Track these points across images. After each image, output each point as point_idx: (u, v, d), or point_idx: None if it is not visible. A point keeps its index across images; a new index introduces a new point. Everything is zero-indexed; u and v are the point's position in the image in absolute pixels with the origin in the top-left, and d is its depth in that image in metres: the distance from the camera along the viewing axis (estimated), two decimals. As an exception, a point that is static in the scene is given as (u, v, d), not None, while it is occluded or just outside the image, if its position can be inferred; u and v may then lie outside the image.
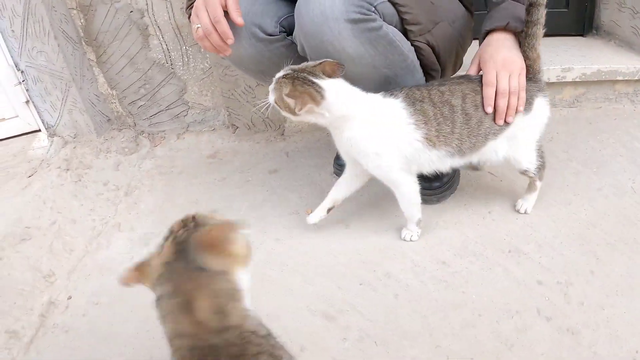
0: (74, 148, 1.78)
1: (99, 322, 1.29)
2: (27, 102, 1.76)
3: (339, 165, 1.52)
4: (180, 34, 1.70)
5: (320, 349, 1.07)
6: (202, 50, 1.72)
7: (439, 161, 1.19)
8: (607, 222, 1.31)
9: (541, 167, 1.30)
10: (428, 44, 1.20)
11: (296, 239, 1.36)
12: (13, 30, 1.66)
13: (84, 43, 1.76)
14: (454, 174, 1.45)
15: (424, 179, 1.31)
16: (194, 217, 0.71)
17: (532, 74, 1.21)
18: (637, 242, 1.24)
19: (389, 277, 1.22)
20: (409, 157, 1.16)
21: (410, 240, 1.30)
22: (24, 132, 1.82)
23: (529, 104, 1.20)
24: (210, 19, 1.10)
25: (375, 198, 1.46)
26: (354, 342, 1.07)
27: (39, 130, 1.82)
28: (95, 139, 1.81)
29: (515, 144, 1.24)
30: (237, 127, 1.84)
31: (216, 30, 1.10)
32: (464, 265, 1.24)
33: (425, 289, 1.19)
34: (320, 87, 1.07)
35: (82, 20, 1.72)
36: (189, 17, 1.22)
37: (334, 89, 1.09)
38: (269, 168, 1.69)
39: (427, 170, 1.22)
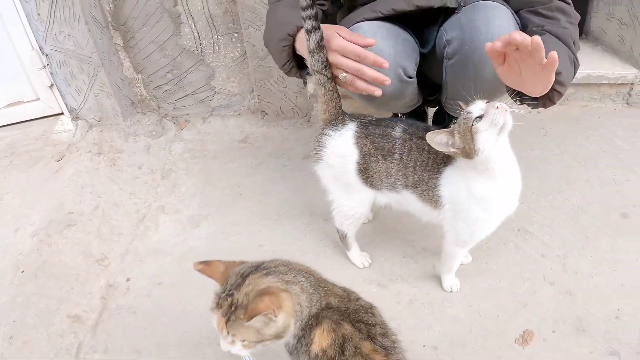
0: (100, 132, 2.07)
1: (166, 303, 1.56)
2: (52, 85, 2.03)
3: None
4: (213, 23, 2.03)
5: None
6: (234, 39, 2.07)
7: None
8: (594, 208, 1.81)
9: None
10: None
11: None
12: (39, 14, 1.90)
13: (111, 28, 2.04)
14: None
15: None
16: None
17: None
18: (617, 225, 1.74)
19: (425, 251, 1.67)
20: None
21: None
22: (45, 115, 2.08)
23: None
24: (353, 60, 1.26)
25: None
26: (406, 305, 1.52)
27: (61, 114, 2.09)
28: (122, 123, 2.10)
29: None
30: (266, 114, 2.21)
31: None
32: (483, 241, 1.71)
33: (456, 262, 1.66)
34: None
35: (110, 6, 2.00)
36: (288, 72, 1.45)
37: None
38: (302, 154, 2.07)
39: None
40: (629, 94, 2.28)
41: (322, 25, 1.32)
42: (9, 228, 1.82)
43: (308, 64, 1.34)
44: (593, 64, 2.25)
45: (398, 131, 1.35)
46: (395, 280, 1.58)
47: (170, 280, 1.64)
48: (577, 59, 1.37)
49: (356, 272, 1.61)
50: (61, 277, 1.65)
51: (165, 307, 1.56)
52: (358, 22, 1.42)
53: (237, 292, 0.97)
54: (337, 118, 1.41)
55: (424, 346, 1.40)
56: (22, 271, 1.65)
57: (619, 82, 2.23)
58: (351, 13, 1.49)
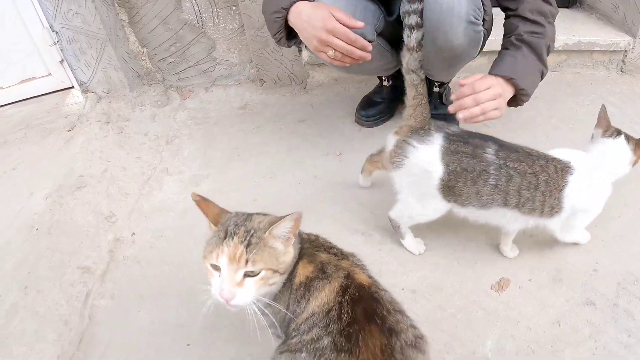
0: (109, 103, 2.26)
1: (168, 253, 1.72)
2: (62, 61, 2.22)
3: (360, 115, 2.10)
4: (212, -4, 2.21)
5: (362, 256, 1.63)
6: (232, 12, 2.23)
7: None
8: (578, 166, 1.94)
9: None
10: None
11: (331, 176, 1.93)
12: (48, -6, 2.10)
13: (116, 4, 2.22)
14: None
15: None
16: None
17: None
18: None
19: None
20: None
21: None
22: (56, 89, 2.29)
23: None
24: (344, 41, 1.47)
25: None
26: (387, 252, 1.66)
27: (72, 88, 2.29)
28: (128, 94, 2.29)
29: None
30: (265, 82, 2.40)
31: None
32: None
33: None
34: None
35: (116, -17, 2.19)
36: (278, 42, 1.64)
37: None
38: (298, 118, 2.24)
39: None
40: (622, 61, 2.38)
41: (317, 3, 1.48)
42: (23, 192, 1.98)
43: (403, 62, 1.46)
44: (586, 31, 2.35)
45: (490, 153, 1.34)
46: (379, 230, 1.72)
47: (172, 234, 1.80)
48: (545, 67, 1.64)
49: (342, 224, 1.75)
50: (72, 233, 1.81)
51: (166, 257, 1.72)
52: None
53: (249, 222, 1.04)
54: (423, 127, 1.43)
55: (403, 289, 1.53)
56: (37, 229, 1.81)
57: (611, 49, 2.32)
58: None
